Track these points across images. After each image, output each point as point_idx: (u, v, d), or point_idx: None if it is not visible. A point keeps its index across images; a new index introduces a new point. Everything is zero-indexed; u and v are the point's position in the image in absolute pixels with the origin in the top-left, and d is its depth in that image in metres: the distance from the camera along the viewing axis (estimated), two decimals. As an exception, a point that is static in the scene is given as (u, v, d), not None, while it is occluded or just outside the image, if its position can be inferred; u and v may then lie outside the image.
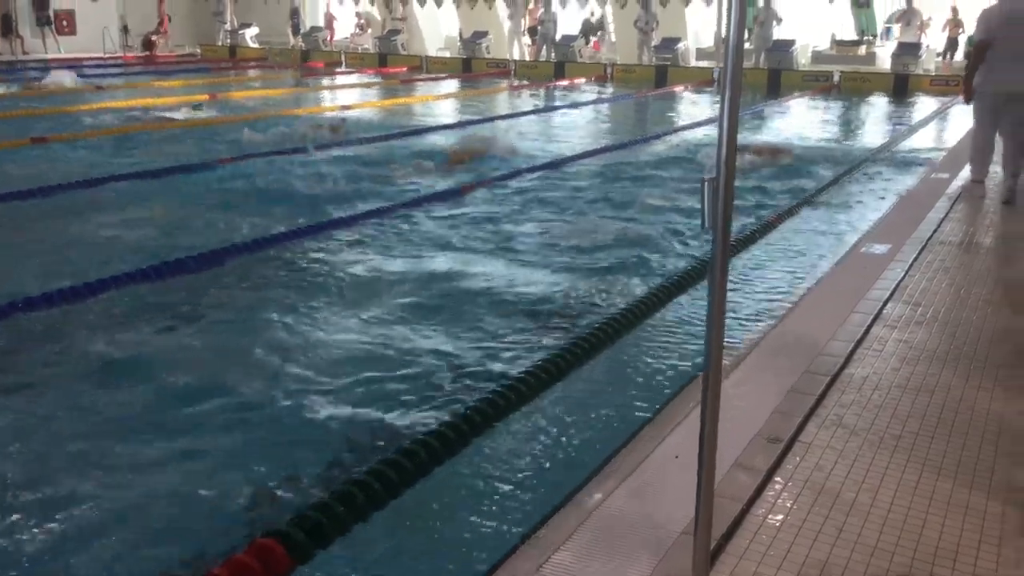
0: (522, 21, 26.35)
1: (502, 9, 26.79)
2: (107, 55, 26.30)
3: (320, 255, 6.62)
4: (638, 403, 4.07)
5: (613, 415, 3.99)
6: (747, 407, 3.49)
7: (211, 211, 7.91)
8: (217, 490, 3.42)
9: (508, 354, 4.72)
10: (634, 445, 3.31)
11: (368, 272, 6.20)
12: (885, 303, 4.84)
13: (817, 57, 23.83)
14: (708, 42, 24.89)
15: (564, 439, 3.80)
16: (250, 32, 29.68)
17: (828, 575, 2.50)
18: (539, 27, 25.62)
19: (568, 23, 26.89)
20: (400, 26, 27.41)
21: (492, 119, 14.65)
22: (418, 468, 3.39)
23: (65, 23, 27.07)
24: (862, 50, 23.84)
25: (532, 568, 2.54)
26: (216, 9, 30.15)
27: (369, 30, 29.28)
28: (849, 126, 15.23)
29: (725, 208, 2.14)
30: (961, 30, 22.63)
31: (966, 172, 8.53)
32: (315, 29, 28.90)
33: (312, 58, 26.85)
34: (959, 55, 22.04)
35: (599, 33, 25.79)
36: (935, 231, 6.41)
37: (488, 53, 25.85)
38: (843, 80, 20.44)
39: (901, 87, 19.75)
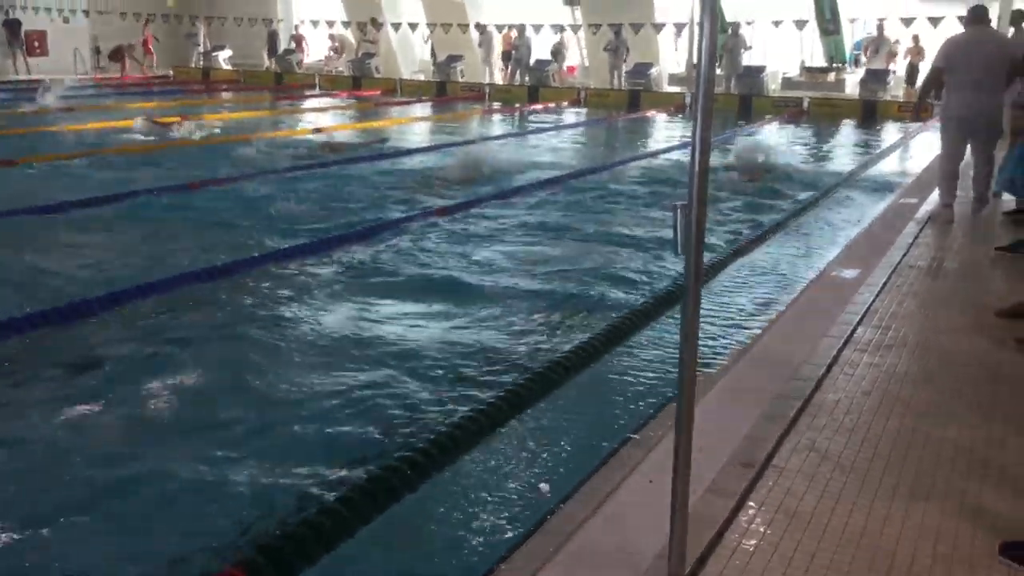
0: (494, 46, 26.48)
1: (476, 34, 26.93)
2: (79, 76, 26.12)
3: (289, 280, 6.58)
4: (611, 429, 4.05)
5: (586, 440, 3.97)
6: (720, 432, 3.49)
7: (182, 234, 7.86)
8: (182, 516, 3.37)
9: (477, 380, 4.70)
10: (608, 470, 3.30)
11: (332, 300, 6.16)
12: (856, 327, 4.87)
13: (787, 83, 24.13)
14: (680, 68, 25.14)
15: (537, 465, 3.78)
16: (224, 54, 29.65)
17: (801, 600, 2.50)
18: (513, 52, 25.76)
19: (542, 48, 27.05)
20: (372, 49, 27.47)
21: (469, 142, 14.68)
22: (388, 495, 3.36)
23: (36, 44, 26.90)
24: (831, 77, 24.16)
25: (505, 596, 2.52)
26: (190, 31, 30.09)
27: (342, 53, 29.32)
28: (819, 151, 15.40)
29: (697, 234, 2.15)
30: (921, 57, 23.14)
31: (934, 197, 8.67)
32: (288, 51, 28.90)
33: (285, 80, 26.82)
34: (919, 81, 22.59)
35: (557, 58, 25.86)
36: (904, 255, 6.49)
37: (462, 77, 25.97)
38: (812, 106, 20.70)
39: (869, 113, 20.03)
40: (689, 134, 2.16)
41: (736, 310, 5.91)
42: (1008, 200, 7.94)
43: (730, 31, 22.40)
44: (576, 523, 2.88)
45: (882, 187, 10.77)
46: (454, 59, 26.22)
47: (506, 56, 26.65)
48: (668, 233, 2.15)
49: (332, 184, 10.36)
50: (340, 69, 28.53)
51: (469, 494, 3.52)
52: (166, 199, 9.21)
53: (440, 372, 4.80)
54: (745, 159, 12.00)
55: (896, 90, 21.98)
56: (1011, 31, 8.27)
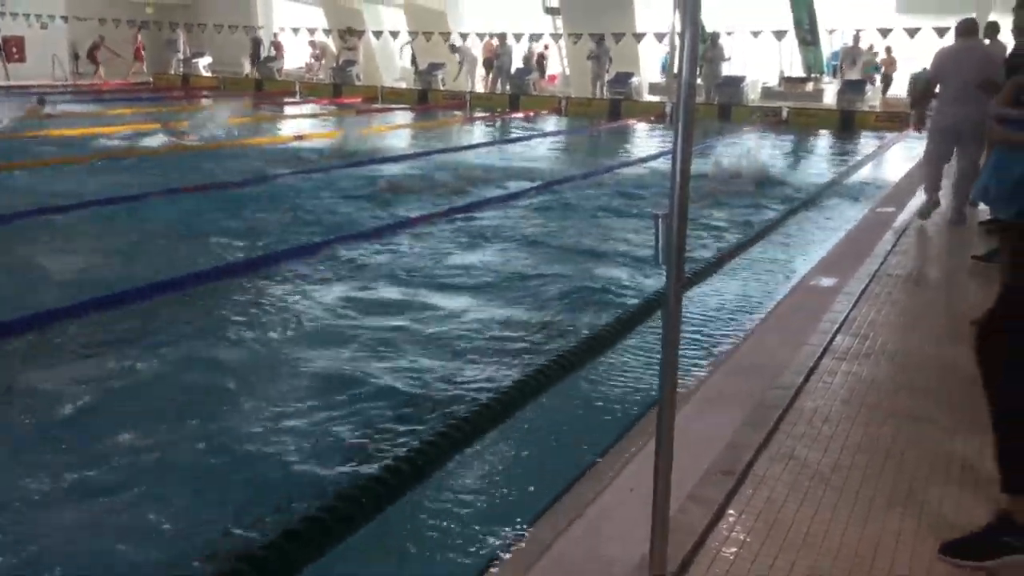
0: (475, 56, 26.55)
1: (458, 41, 26.97)
2: (57, 82, 25.94)
3: (267, 288, 6.55)
4: (592, 437, 4.05)
5: (567, 449, 3.97)
6: (700, 440, 3.50)
7: (164, 240, 7.82)
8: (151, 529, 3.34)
9: (459, 389, 4.69)
10: (589, 479, 3.31)
11: (317, 304, 6.13)
12: (834, 335, 4.91)
13: (767, 93, 24.33)
14: (660, 77, 25.29)
15: (518, 474, 3.77)
16: (203, 61, 29.55)
17: (781, 609, 2.51)
18: (495, 60, 25.82)
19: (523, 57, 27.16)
20: (352, 56, 27.47)
21: (448, 150, 14.69)
22: (370, 505, 3.35)
23: (15, 50, 26.70)
24: (810, 87, 24.39)
25: (486, 605, 2.51)
26: (169, 38, 29.98)
27: (323, 60, 29.26)
28: (797, 161, 15.52)
29: (678, 243, 2.16)
30: (895, 68, 23.48)
31: (912, 205, 8.89)
32: (269, 59, 28.83)
33: (266, 88, 26.75)
34: (891, 90, 23.20)
35: (527, 64, 25.95)
36: (882, 264, 6.54)
37: (443, 85, 26.00)
38: (791, 115, 20.86)
39: (847, 123, 20.21)
40: (669, 143, 2.17)
41: (715, 318, 5.94)
42: (984, 210, 8.04)
43: (709, 41, 22.55)
44: (556, 532, 2.88)
45: (859, 196, 10.87)
46: (435, 67, 26.24)
47: (488, 64, 26.72)
48: (649, 241, 2.16)
49: (307, 192, 10.32)
50: (320, 77, 28.48)
51: (449, 505, 3.51)
52: (140, 206, 9.17)
53: (417, 382, 4.78)
54: (730, 166, 12.11)
55: (874, 100, 22.20)
56: (987, 42, 8.40)
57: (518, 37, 25.95)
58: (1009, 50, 7.24)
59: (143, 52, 29.28)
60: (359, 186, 10.79)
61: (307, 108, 22.61)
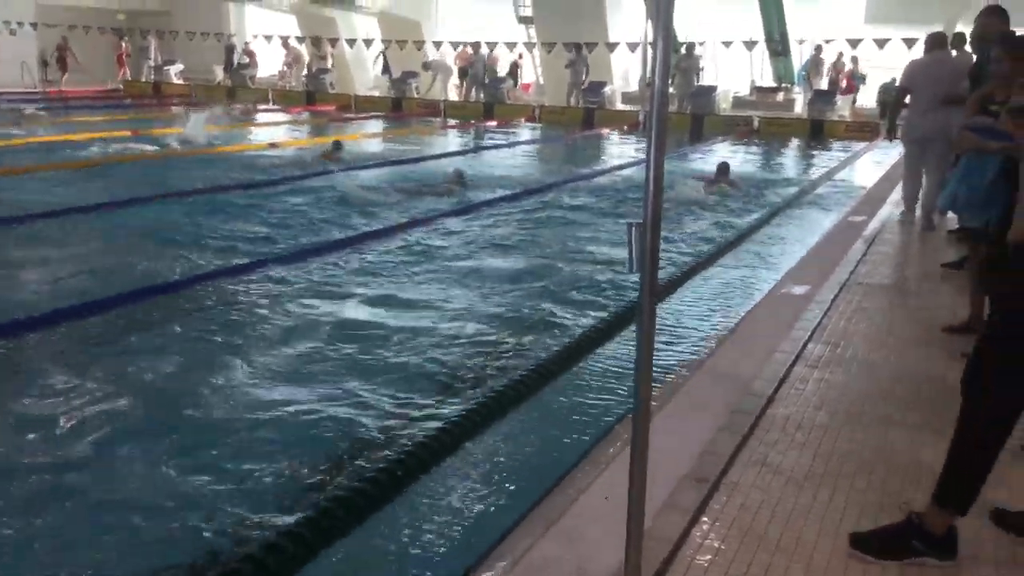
0: (450, 68, 26.56)
1: (431, 51, 26.98)
2: (26, 89, 25.65)
3: (240, 296, 6.50)
4: (567, 446, 4.06)
5: (542, 458, 3.97)
6: (675, 448, 3.51)
7: (137, 248, 7.75)
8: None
9: (434, 400, 4.68)
10: (563, 488, 3.31)
11: (290, 313, 6.09)
12: (806, 343, 4.94)
13: (738, 103, 24.52)
14: (633, 86, 25.41)
15: (493, 483, 3.76)
16: (175, 68, 29.34)
17: (755, 616, 2.51)
18: (469, 69, 25.83)
19: (498, 65, 27.19)
20: (322, 64, 27.39)
21: (428, 158, 14.67)
22: (347, 517, 3.33)
23: (-18, 56, 26.39)
24: (780, 96, 24.61)
25: (460, 615, 2.50)
26: (140, 45, 29.74)
27: (294, 68, 29.07)
28: (768, 170, 15.63)
29: (651, 251, 2.17)
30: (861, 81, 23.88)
31: (883, 214, 9.12)
32: (241, 66, 28.67)
33: (238, 95, 26.58)
34: (859, 100, 23.68)
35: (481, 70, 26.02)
36: (852, 272, 6.60)
37: (417, 93, 25.97)
38: (762, 125, 21.02)
39: (817, 132, 20.41)
40: (643, 151, 2.18)
41: (689, 327, 5.96)
42: (953, 218, 8.18)
43: (683, 50, 22.70)
44: (532, 541, 2.87)
45: (830, 205, 10.97)
46: (409, 76, 26.21)
47: (462, 73, 26.73)
48: (623, 250, 2.16)
49: (284, 200, 10.28)
50: (293, 84, 28.34)
51: (424, 515, 3.49)
52: (116, 213, 9.08)
53: (392, 394, 4.76)
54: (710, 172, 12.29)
55: (843, 110, 22.44)
56: (954, 53, 8.55)
57: (492, 46, 25.98)
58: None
59: (126, 59, 29.07)
60: (331, 195, 10.74)
61: (280, 116, 22.46)
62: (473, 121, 22.51)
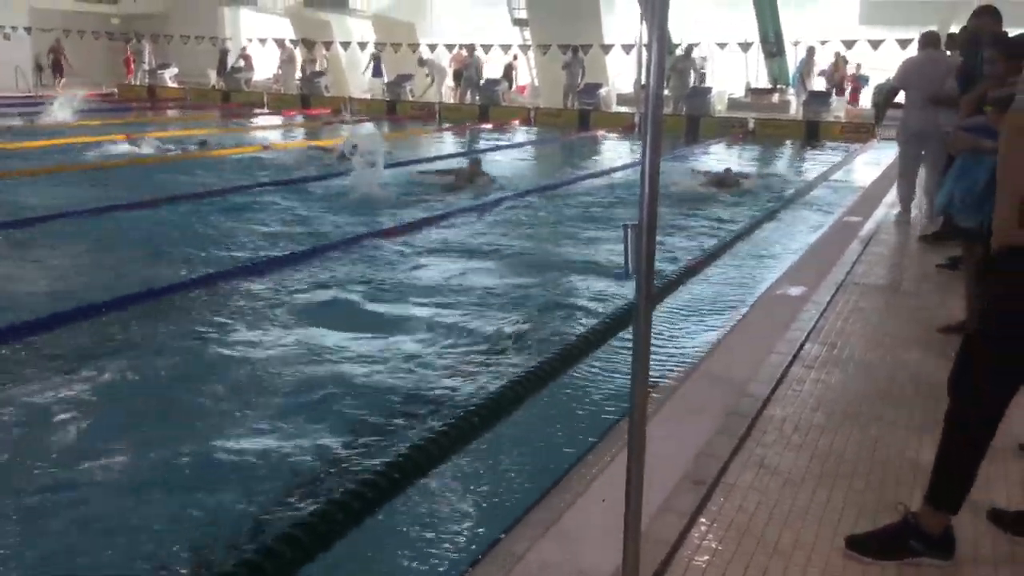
0: (445, 70, 26.53)
1: (426, 52, 26.98)
2: (21, 93, 25.61)
3: (222, 303, 6.49)
4: (565, 448, 4.05)
5: (540, 461, 3.97)
6: (671, 449, 3.51)
7: (133, 253, 7.74)
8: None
9: (431, 403, 4.67)
10: (561, 490, 3.30)
11: (286, 316, 6.08)
12: (802, 344, 4.94)
13: (733, 104, 24.54)
14: (628, 88, 25.44)
15: (491, 486, 3.76)
16: (169, 72, 29.30)
17: (753, 617, 2.51)
18: (463, 71, 25.81)
19: (493, 68, 27.18)
20: (313, 66, 27.35)
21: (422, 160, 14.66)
22: (345, 518, 3.32)
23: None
24: (775, 98, 24.63)
25: (458, 619, 2.49)
26: (135, 48, 29.71)
27: (288, 67, 28.80)
28: (764, 171, 15.63)
29: (647, 254, 2.16)
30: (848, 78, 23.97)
31: (878, 215, 9.15)
32: (236, 69, 28.64)
33: (233, 99, 26.56)
34: (861, 102, 23.74)
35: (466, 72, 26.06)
36: (849, 273, 6.61)
37: (412, 96, 25.96)
38: (758, 126, 21.04)
39: (813, 133, 20.42)
40: (638, 153, 2.18)
41: (685, 328, 5.96)
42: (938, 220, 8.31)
43: (678, 52, 22.73)
44: (529, 544, 2.87)
45: (826, 206, 10.97)
46: (404, 79, 26.20)
47: (457, 75, 26.73)
48: (619, 251, 2.16)
49: (270, 205, 10.26)
50: (281, 89, 28.09)
51: (422, 517, 3.49)
52: (108, 218, 9.07)
53: (389, 396, 4.76)
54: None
55: (838, 111, 22.46)
56: (948, 53, 8.59)
57: (487, 48, 25.98)
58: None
59: (133, 63, 29.14)
60: (325, 197, 10.73)
61: (275, 119, 22.45)
62: (468, 124, 22.50)
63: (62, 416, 4.36)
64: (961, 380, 2.77)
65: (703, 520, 3.03)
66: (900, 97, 8.69)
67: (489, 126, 22.17)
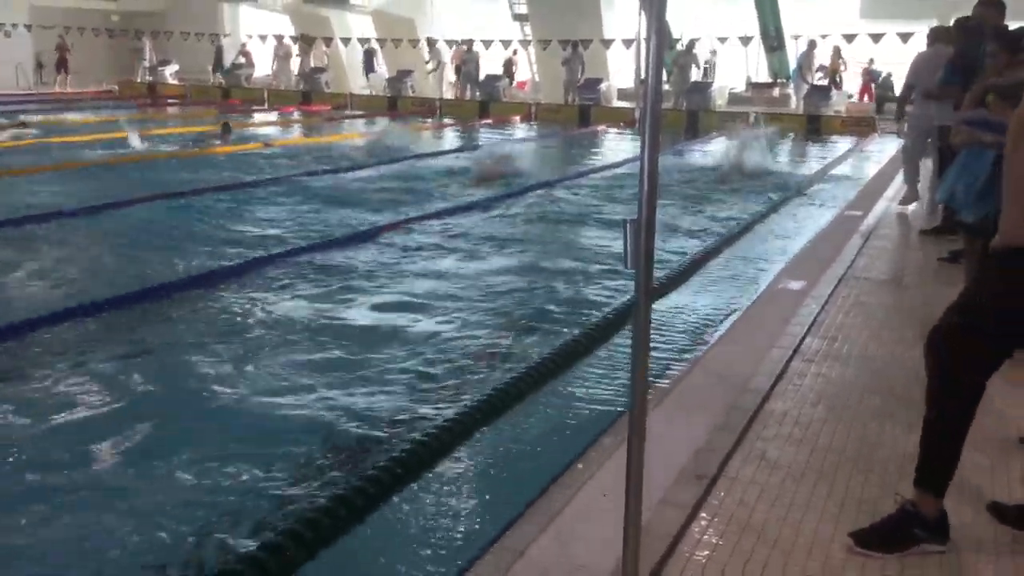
0: (444, 61, 26.46)
1: (426, 48, 26.96)
2: (22, 91, 25.61)
3: (229, 298, 6.49)
4: (565, 443, 4.05)
5: (540, 455, 3.97)
6: (672, 444, 3.52)
7: (134, 250, 7.75)
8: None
9: (432, 398, 4.67)
10: (562, 485, 3.31)
11: (282, 315, 6.08)
12: (803, 338, 4.95)
13: (733, 99, 24.51)
14: (629, 83, 25.41)
15: (492, 481, 3.76)
16: (170, 69, 29.29)
17: (754, 611, 2.52)
18: (462, 66, 25.77)
19: (494, 63, 27.16)
20: (308, 60, 27.32)
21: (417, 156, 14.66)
22: (346, 516, 3.33)
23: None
24: (776, 92, 24.60)
25: (459, 613, 2.50)
26: (135, 46, 29.70)
27: (284, 62, 28.68)
28: (765, 165, 15.61)
29: (647, 248, 2.17)
30: (845, 68, 23.89)
31: (879, 208, 9.20)
32: (236, 66, 28.62)
33: (233, 95, 26.55)
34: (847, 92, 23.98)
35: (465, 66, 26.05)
36: (849, 267, 6.60)
37: (413, 92, 25.94)
38: (758, 120, 20.99)
39: (814, 128, 20.39)
40: (638, 148, 2.17)
41: (686, 322, 5.96)
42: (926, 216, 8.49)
43: (679, 47, 22.69)
44: (530, 538, 2.87)
45: (827, 200, 10.96)
46: (404, 74, 26.17)
47: (457, 71, 26.70)
48: (619, 246, 2.16)
49: (275, 201, 10.27)
50: (280, 85, 28.04)
51: (423, 513, 3.49)
52: (110, 215, 9.08)
53: (389, 393, 4.76)
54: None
55: (839, 105, 22.43)
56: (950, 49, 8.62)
57: (487, 44, 25.94)
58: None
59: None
60: (324, 195, 10.74)
61: (275, 116, 22.44)
62: (469, 122, 22.48)
63: (55, 417, 4.37)
64: (948, 368, 2.78)
65: (704, 514, 3.04)
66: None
67: (489, 122, 22.15)
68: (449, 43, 26.67)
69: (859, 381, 4.36)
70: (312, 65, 27.81)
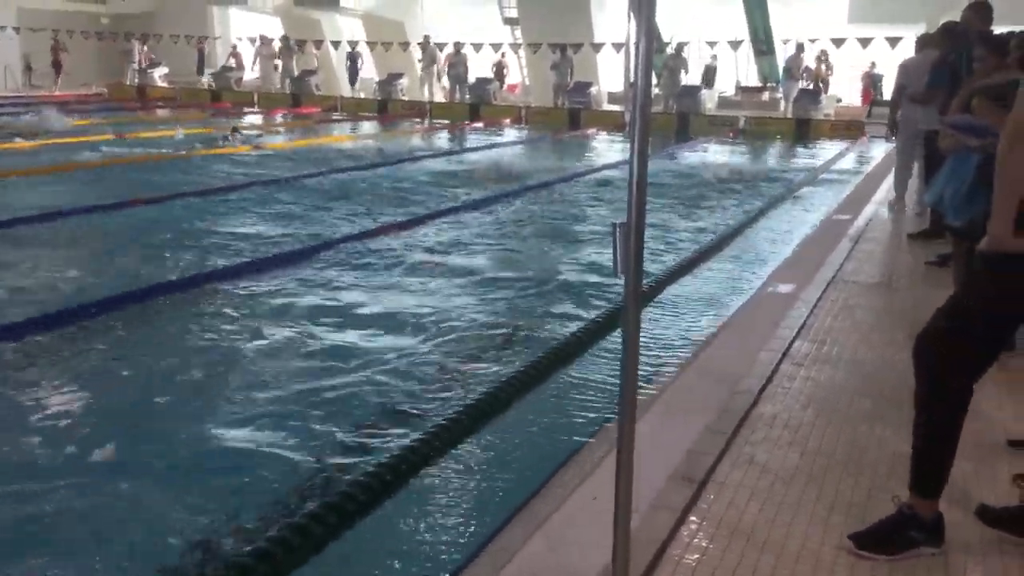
0: (434, 66, 26.46)
1: (417, 52, 26.96)
2: (11, 92, 25.50)
3: (221, 300, 6.47)
4: (554, 447, 4.05)
5: (529, 460, 3.96)
6: (662, 447, 3.52)
7: (123, 252, 7.72)
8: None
9: (421, 403, 4.67)
10: (552, 489, 3.31)
11: (275, 316, 6.07)
12: (792, 342, 4.96)
13: (723, 102, 24.59)
14: (618, 86, 25.47)
15: (479, 486, 3.76)
16: (159, 71, 29.21)
17: (743, 614, 2.52)
18: (449, 69, 25.76)
19: (483, 66, 27.18)
20: (291, 63, 27.28)
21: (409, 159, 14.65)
22: (337, 521, 3.32)
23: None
24: (765, 96, 24.70)
25: (449, 618, 2.49)
26: (125, 48, 29.61)
27: (266, 62, 28.59)
28: (754, 169, 15.68)
29: (636, 252, 2.16)
30: (831, 72, 24.00)
31: (868, 212, 9.25)
32: (227, 69, 28.55)
33: (223, 98, 26.48)
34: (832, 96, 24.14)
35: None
36: (838, 270, 6.63)
37: (403, 95, 25.93)
38: (748, 125, 21.07)
39: (803, 131, 20.47)
40: (627, 152, 2.18)
41: (675, 326, 5.97)
42: (917, 219, 8.54)
43: (668, 50, 22.75)
44: (520, 543, 2.87)
45: (816, 203, 11.01)
46: (395, 77, 26.16)
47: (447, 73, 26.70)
48: (608, 250, 2.16)
49: (268, 202, 10.25)
50: (271, 89, 27.94)
51: (413, 518, 3.48)
52: (100, 217, 9.05)
53: (380, 397, 4.75)
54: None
55: (828, 108, 22.53)
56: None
57: (477, 47, 25.96)
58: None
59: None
60: (315, 196, 10.72)
61: (262, 119, 22.41)
62: (458, 124, 22.48)
63: (49, 417, 4.35)
64: (938, 372, 2.79)
65: (693, 518, 3.04)
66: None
67: (480, 125, 22.16)
68: (439, 46, 26.69)
69: (849, 384, 4.37)
70: (298, 68, 27.72)
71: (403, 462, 3.78)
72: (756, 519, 3.02)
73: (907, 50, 10.79)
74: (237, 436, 4.21)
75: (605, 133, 20.57)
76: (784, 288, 6.15)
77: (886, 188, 10.27)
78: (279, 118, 21.92)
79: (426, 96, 25.80)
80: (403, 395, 4.75)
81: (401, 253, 7.99)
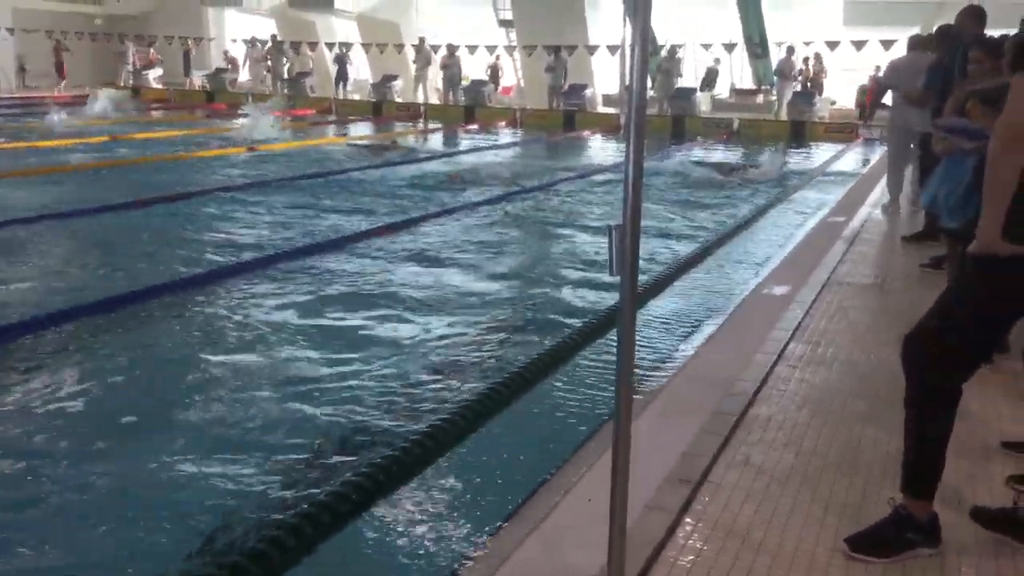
0: (428, 68, 26.44)
1: (411, 53, 26.96)
2: (5, 94, 25.43)
3: (211, 303, 6.46)
4: (550, 448, 4.05)
5: (525, 461, 3.97)
6: (657, 449, 3.52)
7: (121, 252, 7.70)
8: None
9: (417, 405, 4.66)
10: (547, 490, 3.30)
11: (267, 320, 6.06)
12: (787, 343, 4.96)
13: (718, 105, 24.63)
14: (613, 89, 25.50)
15: (477, 487, 3.75)
16: (153, 73, 29.16)
17: (739, 615, 2.52)
18: (443, 71, 25.74)
19: (478, 68, 27.19)
20: (281, 65, 27.25)
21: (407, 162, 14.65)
22: (332, 521, 3.32)
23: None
24: (760, 98, 24.74)
25: (444, 619, 2.49)
26: (118, 49, 29.56)
27: (255, 65, 28.52)
28: (748, 171, 15.67)
29: (631, 254, 2.17)
30: (825, 75, 24.03)
31: (863, 214, 9.28)
32: (220, 70, 28.51)
33: (217, 100, 26.44)
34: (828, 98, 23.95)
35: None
36: (833, 272, 6.64)
37: (398, 96, 25.92)
38: (742, 127, 21.11)
39: (798, 134, 20.50)
40: (623, 154, 2.18)
41: (670, 328, 5.97)
42: (912, 222, 8.57)
43: (663, 52, 22.78)
44: (515, 544, 2.87)
45: (810, 205, 11.02)
46: (389, 79, 26.14)
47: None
48: (604, 252, 2.16)
49: (264, 203, 10.24)
50: (266, 90, 27.91)
51: (408, 519, 3.48)
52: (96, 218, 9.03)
53: (374, 398, 4.74)
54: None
55: (823, 111, 22.55)
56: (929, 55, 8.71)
57: (472, 49, 25.96)
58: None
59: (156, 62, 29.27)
60: (304, 198, 10.71)
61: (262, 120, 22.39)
62: (453, 126, 22.47)
63: (44, 418, 4.34)
64: (919, 375, 2.80)
65: (688, 519, 3.04)
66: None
67: (475, 127, 22.15)
68: (434, 47, 26.70)
69: (843, 385, 4.38)
70: (293, 70, 27.68)
71: (398, 463, 3.77)
72: (751, 520, 3.02)
73: (901, 53, 10.85)
74: (232, 435, 4.21)
75: (600, 135, 20.59)
76: (779, 290, 6.16)
77: (880, 190, 10.29)
78: (272, 120, 21.90)
79: (421, 98, 25.79)
80: (398, 396, 4.75)
81: (393, 255, 7.99)
